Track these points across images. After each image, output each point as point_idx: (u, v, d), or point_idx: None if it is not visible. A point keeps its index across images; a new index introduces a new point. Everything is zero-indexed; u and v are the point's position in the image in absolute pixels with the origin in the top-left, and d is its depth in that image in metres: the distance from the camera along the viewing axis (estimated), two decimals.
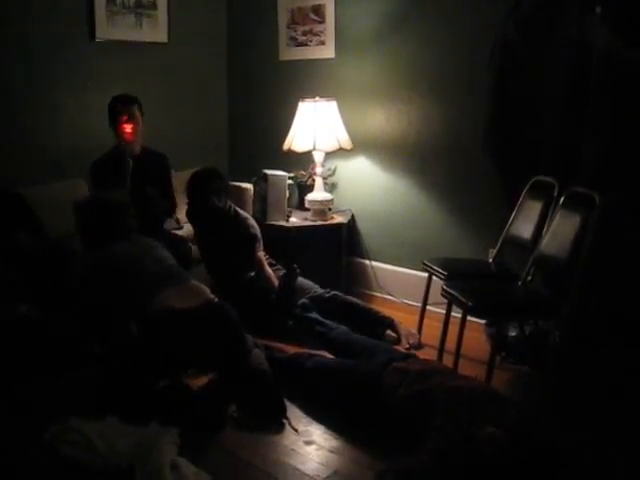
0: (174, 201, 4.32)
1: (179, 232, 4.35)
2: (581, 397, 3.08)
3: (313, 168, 4.76)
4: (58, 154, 4.51)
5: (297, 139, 4.60)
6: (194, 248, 4.22)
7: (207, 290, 3.35)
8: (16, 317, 3.43)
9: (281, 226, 4.55)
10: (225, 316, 3.19)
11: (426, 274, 3.97)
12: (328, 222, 4.65)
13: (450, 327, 3.58)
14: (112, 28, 4.80)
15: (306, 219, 4.64)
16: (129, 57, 4.93)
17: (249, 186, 4.91)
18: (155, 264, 3.35)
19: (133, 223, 3.54)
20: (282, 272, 4.15)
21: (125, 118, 3.97)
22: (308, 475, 2.68)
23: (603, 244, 3.14)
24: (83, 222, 3.53)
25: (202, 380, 3.23)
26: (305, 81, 5.04)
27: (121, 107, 4.00)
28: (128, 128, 3.94)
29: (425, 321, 4.03)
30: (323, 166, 4.73)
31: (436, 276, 3.83)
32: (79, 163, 4.28)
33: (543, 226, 3.55)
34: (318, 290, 4.13)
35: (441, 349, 3.60)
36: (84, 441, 2.53)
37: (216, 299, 3.31)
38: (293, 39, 5.13)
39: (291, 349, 3.66)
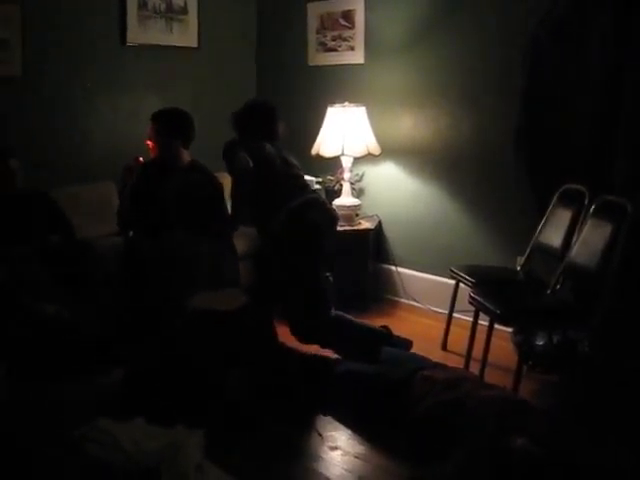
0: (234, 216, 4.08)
1: None
2: (610, 407, 3.04)
3: (341, 173, 4.77)
4: (90, 157, 4.57)
5: (325, 144, 4.60)
6: None
7: (243, 297, 3.41)
8: (45, 318, 3.47)
9: None
10: (258, 318, 3.25)
11: (453, 281, 3.95)
12: (355, 228, 4.64)
13: (477, 335, 3.57)
14: (143, 32, 4.85)
15: None
16: (160, 61, 4.98)
17: None
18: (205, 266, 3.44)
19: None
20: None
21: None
22: None
23: (634, 253, 3.11)
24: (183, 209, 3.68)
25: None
26: (334, 86, 5.04)
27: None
28: (149, 143, 3.98)
29: (452, 328, 4.00)
30: (351, 171, 4.73)
31: (463, 283, 3.81)
32: (110, 166, 4.33)
33: (573, 234, 3.52)
34: None
35: (468, 357, 3.58)
36: (111, 441, 2.54)
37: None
38: (322, 44, 5.14)
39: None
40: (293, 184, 3.62)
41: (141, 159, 3.93)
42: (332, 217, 3.69)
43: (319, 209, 3.60)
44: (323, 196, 4.83)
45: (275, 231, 3.49)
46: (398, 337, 3.75)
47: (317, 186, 4.79)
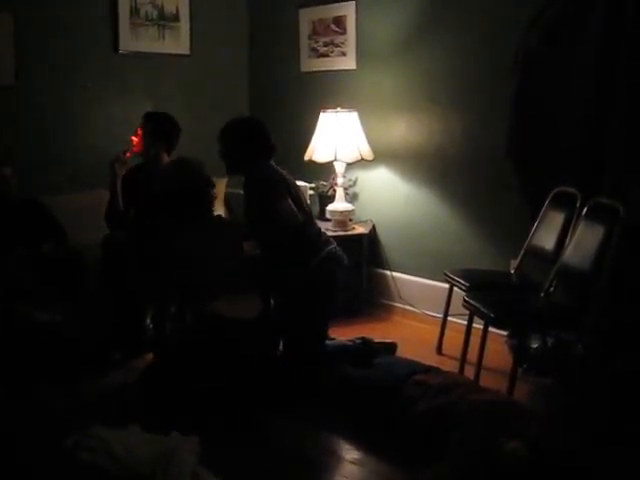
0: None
1: None
2: (604, 409, 3.04)
3: (334, 178, 4.77)
4: (83, 164, 4.57)
5: (318, 150, 4.61)
6: None
7: (259, 305, 3.43)
8: (37, 324, 3.47)
9: None
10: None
11: (447, 285, 3.95)
12: (349, 232, 4.64)
13: (471, 338, 3.58)
14: (135, 40, 4.85)
15: (327, 229, 4.61)
16: (152, 69, 4.98)
17: None
18: (217, 265, 3.42)
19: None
20: None
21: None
22: None
23: (627, 255, 3.12)
24: (172, 195, 3.52)
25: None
26: (326, 92, 5.05)
27: None
28: (134, 139, 4.01)
29: (446, 332, 4.00)
30: (344, 176, 4.73)
31: (457, 287, 3.82)
32: (103, 173, 4.31)
33: (566, 237, 3.52)
34: None
35: (462, 360, 3.59)
36: (105, 448, 2.54)
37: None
38: (314, 50, 5.15)
39: None
40: (315, 236, 3.66)
41: (128, 154, 3.98)
42: (347, 269, 3.72)
43: (343, 263, 3.65)
44: (317, 201, 4.90)
45: (299, 282, 3.52)
46: (380, 343, 3.75)
47: (310, 192, 4.80)
